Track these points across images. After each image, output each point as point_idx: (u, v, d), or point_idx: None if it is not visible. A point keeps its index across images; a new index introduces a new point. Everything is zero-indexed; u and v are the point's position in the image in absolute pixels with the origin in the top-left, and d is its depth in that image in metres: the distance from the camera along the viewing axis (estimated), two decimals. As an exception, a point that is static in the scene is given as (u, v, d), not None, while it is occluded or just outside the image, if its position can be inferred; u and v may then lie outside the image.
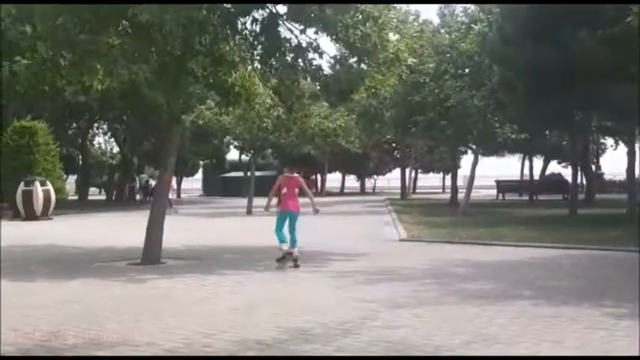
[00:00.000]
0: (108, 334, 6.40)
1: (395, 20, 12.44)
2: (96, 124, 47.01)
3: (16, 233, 18.37)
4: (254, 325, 6.78)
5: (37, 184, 24.59)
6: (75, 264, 11.73)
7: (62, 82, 12.32)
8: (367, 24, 11.53)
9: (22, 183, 24.56)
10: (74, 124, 44.75)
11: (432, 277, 9.96)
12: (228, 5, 11.42)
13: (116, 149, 53.47)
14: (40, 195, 24.52)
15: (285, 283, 9.62)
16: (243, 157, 57.02)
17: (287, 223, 11.70)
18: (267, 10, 12.19)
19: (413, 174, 59.99)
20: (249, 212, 28.42)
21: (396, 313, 7.31)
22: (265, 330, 6.53)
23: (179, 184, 59.03)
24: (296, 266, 11.12)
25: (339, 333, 6.41)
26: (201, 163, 63.26)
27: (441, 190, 60.43)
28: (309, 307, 7.69)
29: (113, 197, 45.88)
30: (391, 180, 68.53)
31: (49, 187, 25.25)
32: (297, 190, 12.00)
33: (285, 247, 11.45)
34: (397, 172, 56.37)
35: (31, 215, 24.18)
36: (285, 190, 11.95)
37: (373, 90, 14.50)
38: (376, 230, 19.20)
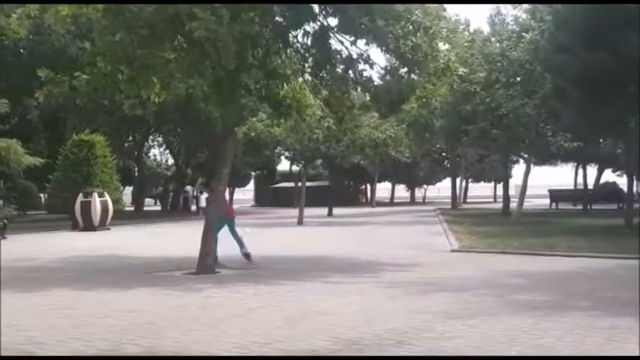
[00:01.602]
0: (167, 342, 6.58)
1: (445, 30, 12.44)
2: (151, 137, 48.04)
3: (75, 244, 18.91)
4: (308, 334, 6.86)
5: (96, 195, 25.24)
6: (133, 274, 12.01)
7: (120, 96, 12.69)
8: (418, 34, 11.58)
9: (81, 194, 25.23)
10: (130, 137, 45.83)
11: (486, 288, 9.89)
12: (280, 19, 11.62)
13: (171, 161, 54.51)
14: (98, 206, 25.15)
15: (338, 294, 9.67)
16: (294, 167, 57.54)
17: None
18: (318, 23, 12.37)
19: (464, 183, 59.35)
20: (300, 222, 28.59)
21: (450, 323, 7.30)
22: (319, 340, 6.61)
23: (232, 194, 59.68)
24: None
25: (392, 343, 6.45)
26: (252, 173, 63.96)
27: (492, 200, 59.72)
28: (362, 317, 7.74)
29: (168, 207, 46.67)
30: (441, 189, 68.06)
31: (107, 198, 25.89)
32: None
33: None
34: (447, 181, 56.00)
35: (89, 226, 24.82)
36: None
37: (424, 100, 14.49)
38: (427, 240, 19.11)
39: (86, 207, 25.07)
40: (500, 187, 51.80)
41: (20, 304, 8.78)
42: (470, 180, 64.99)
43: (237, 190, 64.15)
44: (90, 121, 32.88)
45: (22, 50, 31.37)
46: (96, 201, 25.11)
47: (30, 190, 34.84)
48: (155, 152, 57.62)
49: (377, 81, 13.11)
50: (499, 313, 7.92)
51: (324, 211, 37.20)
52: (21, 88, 30.13)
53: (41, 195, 37.47)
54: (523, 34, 25.57)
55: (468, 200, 60.36)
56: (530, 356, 5.61)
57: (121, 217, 29.03)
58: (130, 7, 10.57)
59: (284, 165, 63.06)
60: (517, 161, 40.54)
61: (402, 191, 69.26)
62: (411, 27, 11.60)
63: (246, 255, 13.27)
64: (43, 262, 14.15)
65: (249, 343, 6.51)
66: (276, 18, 11.64)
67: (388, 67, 13.48)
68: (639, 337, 6.17)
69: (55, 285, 10.48)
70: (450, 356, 5.70)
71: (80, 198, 25.19)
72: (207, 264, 11.89)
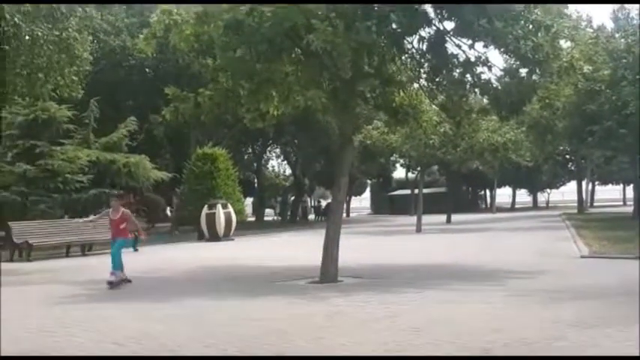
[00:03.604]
0: (296, 350, 6.68)
1: (567, 28, 11.96)
2: (269, 148, 49.26)
3: (201, 254, 19.62)
4: (436, 344, 6.76)
5: (219, 207, 26.08)
6: (259, 283, 12.29)
7: (242, 110, 13.07)
8: (539, 34, 11.19)
9: (206, 206, 26.15)
10: (250, 150, 47.20)
11: (621, 295, 9.38)
12: (395, 26, 11.58)
13: (288, 171, 55.67)
14: (222, 217, 25.97)
15: (463, 302, 9.48)
16: (410, 174, 57.20)
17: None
18: (434, 28, 12.24)
19: (590, 186, 56.76)
20: (418, 230, 28.31)
21: (585, 333, 6.98)
22: (447, 350, 6.50)
23: (348, 202, 60.17)
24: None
25: (523, 353, 6.24)
26: (368, 181, 64.16)
27: (621, 203, 56.74)
28: (490, 326, 7.54)
29: (287, 217, 47.61)
30: (565, 193, 65.58)
31: (230, 209, 26.70)
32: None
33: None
34: (572, 184, 53.79)
35: (214, 236, 25.69)
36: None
37: (547, 101, 14.01)
38: (554, 246, 18.40)
39: (211, 218, 25.94)
40: (630, 189, 49.15)
41: (155, 314, 9.17)
42: (597, 183, 62.15)
43: (353, 198, 64.58)
44: (212, 135, 34.12)
45: (147, 69, 33.06)
46: (220, 212, 25.93)
47: (158, 204, 36.51)
48: (273, 163, 59.17)
49: (495, 83, 12.78)
50: (636, 322, 7.47)
51: (442, 218, 36.67)
52: (147, 105, 31.82)
53: (168, 208, 39.15)
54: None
55: (594, 204, 57.76)
56: (530, 356, 5.32)
57: (243, 228, 29.86)
58: (249, 22, 10.87)
59: (400, 172, 62.93)
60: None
61: (523, 196, 67.29)
62: (531, 26, 11.23)
63: (111, 282, 12.12)
64: (173, 272, 14.74)
65: (376, 352, 6.49)
66: (392, 25, 11.59)
67: (507, 69, 13.15)
68: (639, 337, 5.72)
69: (187, 295, 10.87)
70: (450, 356, 5.47)
71: (205, 210, 26.09)
72: (330, 273, 11.98)
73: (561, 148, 43.41)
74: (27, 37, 16.47)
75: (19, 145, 24.69)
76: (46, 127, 24.87)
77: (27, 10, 16.25)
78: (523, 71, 12.30)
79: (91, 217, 14.46)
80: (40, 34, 16.40)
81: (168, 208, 39.34)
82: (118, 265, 12.23)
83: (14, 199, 23.26)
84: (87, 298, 10.94)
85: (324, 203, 55.67)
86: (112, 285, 11.90)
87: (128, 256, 19.66)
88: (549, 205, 63.10)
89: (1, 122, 23.78)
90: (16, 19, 15.90)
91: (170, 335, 7.56)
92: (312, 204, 59.11)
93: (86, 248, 20.86)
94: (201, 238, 26.44)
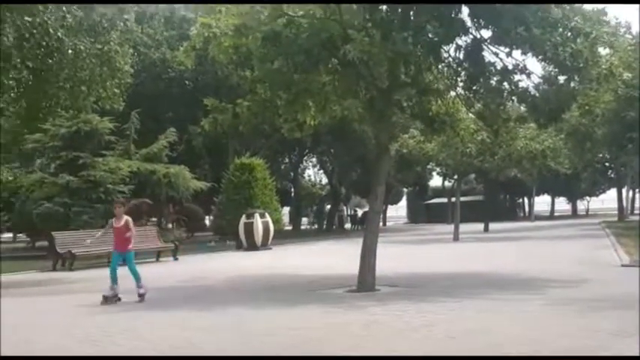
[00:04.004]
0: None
1: (606, 34, 11.87)
2: (306, 158, 49.51)
3: (240, 263, 19.82)
4: (472, 353, 6.76)
5: (257, 216, 26.28)
6: (297, 292, 12.38)
7: (279, 120, 13.23)
8: (578, 40, 11.14)
9: (244, 216, 26.40)
10: (287, 159, 47.50)
11: (664, 305, 9.24)
12: (431, 35, 11.63)
13: (325, 180, 55.85)
14: (260, 227, 26.18)
15: (502, 311, 9.42)
16: (446, 182, 56.89)
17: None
18: (471, 36, 12.26)
19: (630, 194, 55.73)
20: (455, 239, 28.15)
21: (627, 342, 6.89)
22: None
23: (384, 211, 60.07)
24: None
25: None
26: (404, 190, 63.96)
27: (664, 211, 55.61)
28: (530, 336, 7.50)
29: (324, 226, 47.71)
30: (605, 201, 64.53)
31: (268, 218, 26.90)
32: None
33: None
34: (612, 192, 52.87)
35: (252, 245, 25.89)
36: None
37: (586, 108, 13.89)
38: (593, 255, 18.15)
39: (249, 228, 26.16)
40: (673, 196, 48.17)
41: (197, 323, 9.31)
42: (637, 190, 60.98)
43: (389, 207, 64.47)
44: (249, 145, 34.45)
45: (186, 81, 33.58)
46: (258, 222, 26.14)
47: (197, 213, 36.93)
48: (309, 173, 59.39)
49: (533, 91, 12.72)
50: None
51: (479, 226, 36.37)
52: (186, 116, 32.30)
53: (207, 217, 39.56)
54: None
55: (635, 212, 56.65)
56: (530, 356, 5.26)
57: (281, 237, 30.01)
58: (287, 34, 11.03)
59: (436, 180, 62.59)
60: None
61: (562, 204, 66.35)
62: (569, 33, 11.19)
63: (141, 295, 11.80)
64: (213, 281, 14.91)
65: (416, 360, 6.52)
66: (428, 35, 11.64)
67: (546, 76, 13.08)
68: (639, 336, 5.57)
69: (228, 303, 11.00)
70: (450, 356, 5.44)
71: (243, 219, 26.34)
72: (367, 281, 12.02)
73: (600, 155, 42.81)
74: (70, 51, 16.92)
75: (63, 157, 25.29)
76: (88, 138, 25.46)
77: (70, 24, 16.69)
78: (562, 78, 12.25)
79: (99, 234, 13.50)
80: (82, 47, 16.84)
81: (206, 218, 39.78)
82: (115, 279, 11.53)
83: (57, 209, 23.78)
84: (130, 306, 11.14)
85: (360, 212, 55.64)
86: (106, 300, 11.37)
87: (168, 266, 20.05)
88: (589, 212, 62.12)
89: (45, 134, 24.41)
90: (59, 33, 16.35)
91: (212, 344, 7.68)
92: (349, 213, 59.16)
93: (127, 257, 21.21)
94: (239, 247, 26.68)
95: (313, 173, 60.32)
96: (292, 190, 50.98)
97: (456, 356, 5.74)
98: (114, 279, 11.50)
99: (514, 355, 5.62)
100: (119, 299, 11.52)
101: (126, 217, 11.83)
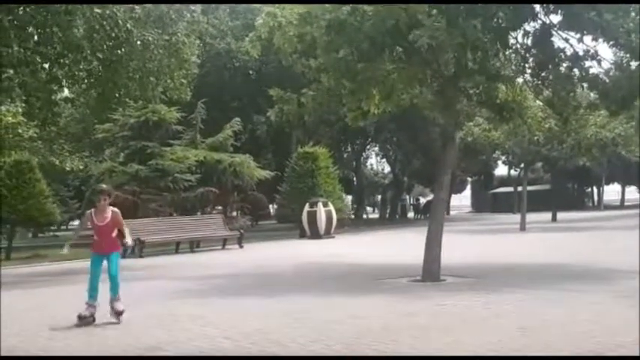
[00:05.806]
0: (402, 349, 6.73)
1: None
2: (368, 146, 49.39)
3: (304, 251, 19.94)
4: (546, 345, 6.65)
5: (320, 205, 26.39)
6: (362, 280, 12.39)
7: (343, 109, 13.22)
8: (652, 25, 10.74)
9: (307, 204, 26.55)
10: (349, 148, 47.49)
11: None
12: (499, 21, 11.41)
13: (387, 169, 55.64)
14: (323, 215, 26.28)
15: (573, 303, 9.19)
16: (512, 171, 55.82)
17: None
18: (539, 22, 11.96)
19: None
20: (522, 228, 27.63)
21: None
22: (557, 350, 6.38)
23: (448, 200, 59.52)
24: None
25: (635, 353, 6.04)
26: (469, 179, 63.12)
27: None
28: (602, 327, 7.33)
29: (387, 215, 47.58)
30: (680, 190, 62.12)
31: (331, 207, 26.98)
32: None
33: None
34: (688, 181, 50.90)
35: (315, 234, 26.03)
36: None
37: (660, 94, 13.38)
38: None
39: (312, 216, 26.30)
40: None
41: (266, 310, 9.45)
42: None
43: (453, 196, 63.73)
44: (312, 134, 34.56)
45: (250, 71, 33.90)
46: (321, 210, 26.24)
47: (261, 202, 37.33)
48: (372, 162, 59.23)
49: (603, 77, 12.34)
50: None
51: (547, 216, 35.59)
52: (250, 106, 32.63)
53: (271, 206, 39.94)
54: None
55: None
56: (530, 356, 5.05)
57: (343, 225, 30.05)
58: (351, 22, 10.98)
59: (502, 169, 61.52)
60: None
61: (633, 193, 64.29)
62: (643, 18, 10.80)
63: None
64: (279, 269, 15.07)
65: (484, 350, 6.44)
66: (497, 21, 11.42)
67: (617, 62, 12.67)
68: (639, 336, 5.52)
69: (294, 291, 11.11)
70: (451, 356, 5.26)
71: (306, 208, 26.48)
72: (432, 271, 11.93)
73: (676, 142, 41.15)
74: (138, 43, 17.22)
75: (131, 146, 25.94)
76: (156, 128, 26.02)
77: (138, 16, 17.02)
78: (634, 64, 11.83)
79: (78, 232, 11.04)
80: (150, 39, 17.12)
81: (270, 206, 40.15)
82: (95, 290, 8.72)
83: (126, 198, 24.42)
84: (198, 293, 11.37)
85: (423, 201, 55.25)
86: (81, 320, 8.51)
87: (234, 253, 20.36)
88: (663, 202, 60.01)
89: (115, 124, 25.07)
90: (128, 24, 16.68)
91: (281, 332, 7.76)
92: (411, 202, 58.80)
93: (194, 245, 21.68)
94: (302, 235, 26.85)
95: (376, 162, 60.19)
96: (355, 178, 50.98)
97: (456, 356, 5.67)
98: (93, 291, 8.70)
99: (514, 355, 5.52)
100: (94, 320, 8.63)
101: (112, 210, 9.03)
